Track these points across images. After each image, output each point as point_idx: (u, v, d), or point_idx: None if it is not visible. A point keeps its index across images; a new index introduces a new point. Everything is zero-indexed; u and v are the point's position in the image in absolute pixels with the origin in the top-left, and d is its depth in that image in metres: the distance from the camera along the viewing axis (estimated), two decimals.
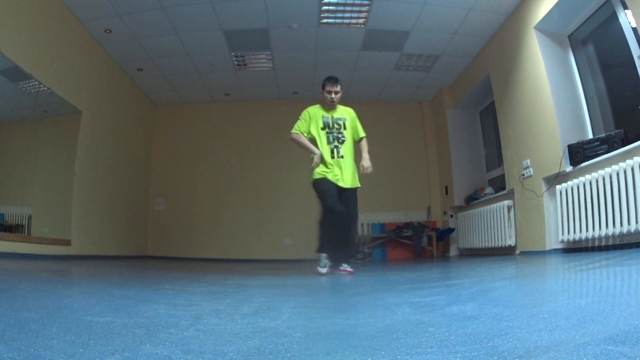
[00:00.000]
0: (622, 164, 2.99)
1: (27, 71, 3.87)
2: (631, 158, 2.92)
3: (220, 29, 4.97)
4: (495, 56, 5.09)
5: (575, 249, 3.62)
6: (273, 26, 4.95)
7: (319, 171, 3.18)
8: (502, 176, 5.13)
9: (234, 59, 5.74)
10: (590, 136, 3.79)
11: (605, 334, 0.72)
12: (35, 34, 3.96)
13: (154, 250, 6.78)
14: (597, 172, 3.27)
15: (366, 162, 3.26)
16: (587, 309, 0.99)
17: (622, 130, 3.22)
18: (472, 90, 5.79)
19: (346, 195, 3.22)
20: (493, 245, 4.96)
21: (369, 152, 3.32)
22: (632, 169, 2.88)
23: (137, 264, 4.73)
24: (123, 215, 5.98)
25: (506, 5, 4.47)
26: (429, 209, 6.84)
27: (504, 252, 4.80)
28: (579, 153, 3.57)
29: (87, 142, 4.94)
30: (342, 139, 3.27)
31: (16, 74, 3.88)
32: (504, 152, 4.96)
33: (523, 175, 4.44)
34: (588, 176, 3.36)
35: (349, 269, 3.15)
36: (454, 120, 6.39)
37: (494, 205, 4.97)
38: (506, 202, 4.75)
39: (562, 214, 3.67)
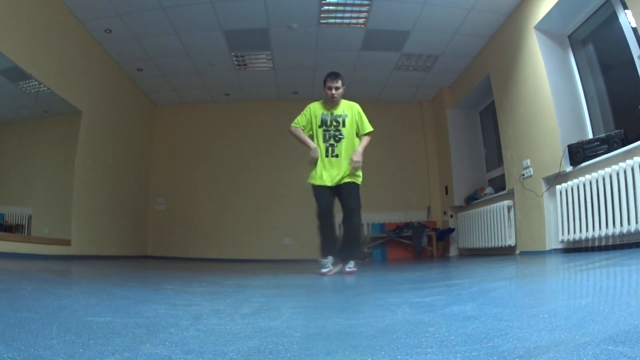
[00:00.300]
0: (622, 164, 2.99)
1: (27, 71, 3.87)
2: (631, 158, 2.92)
3: (220, 29, 4.97)
4: (495, 56, 5.09)
5: (575, 249, 3.62)
6: (273, 26, 4.95)
7: (312, 174, 3.22)
8: (502, 176, 5.13)
9: (234, 59, 5.74)
10: (590, 136, 3.79)
11: (605, 334, 0.72)
12: (35, 34, 3.96)
13: (154, 250, 6.78)
14: (597, 172, 3.26)
15: (356, 155, 3.16)
16: (587, 309, 0.99)
17: (622, 130, 3.22)
18: (472, 90, 5.79)
19: (342, 189, 3.17)
20: (493, 245, 4.96)
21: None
22: (632, 169, 2.88)
23: (137, 264, 4.73)
24: (123, 215, 5.98)
25: (506, 5, 4.47)
26: (429, 209, 6.84)
27: (504, 252, 4.80)
28: (579, 153, 3.57)
29: (87, 142, 4.94)
30: (339, 137, 3.21)
31: (16, 74, 3.88)
32: (504, 152, 4.96)
33: (523, 175, 4.44)
34: (588, 176, 3.36)
35: (352, 268, 3.12)
36: (454, 120, 6.39)
37: (494, 205, 4.97)
38: (506, 202, 4.75)
39: (562, 214, 3.67)
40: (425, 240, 6.22)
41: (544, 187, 4.09)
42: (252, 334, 0.89)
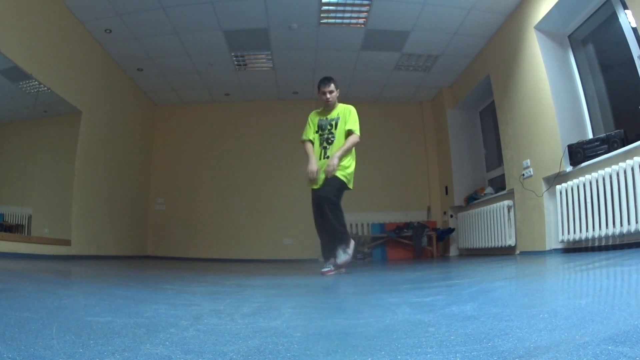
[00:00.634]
0: (622, 164, 2.99)
1: (27, 71, 3.87)
2: (631, 158, 2.92)
3: (220, 29, 4.97)
4: (495, 56, 5.09)
5: (575, 249, 3.62)
6: (273, 26, 4.96)
7: (307, 183, 3.27)
8: (502, 176, 5.13)
9: (234, 59, 5.74)
10: (590, 136, 3.79)
11: (605, 334, 0.72)
12: (35, 34, 3.96)
13: (154, 250, 6.78)
14: (597, 172, 3.26)
15: (331, 159, 3.08)
16: (587, 309, 0.99)
17: (622, 130, 3.22)
18: (472, 90, 5.79)
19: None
20: (493, 245, 4.96)
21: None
22: (632, 169, 2.88)
23: (137, 264, 4.73)
24: (123, 215, 5.98)
25: (506, 5, 4.47)
26: (429, 209, 6.84)
27: (504, 252, 4.80)
28: (579, 153, 3.57)
29: (87, 142, 4.94)
30: (331, 139, 3.24)
31: (16, 74, 3.88)
32: (504, 152, 4.97)
33: (523, 175, 4.44)
34: (588, 176, 3.36)
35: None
36: (454, 120, 6.39)
37: (494, 205, 4.97)
38: (506, 202, 4.75)
39: (562, 214, 3.67)
40: (425, 240, 6.22)
41: (544, 187, 4.09)
42: (252, 334, 0.89)
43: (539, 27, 4.12)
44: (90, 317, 1.06)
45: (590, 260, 2.51)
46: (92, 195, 5.08)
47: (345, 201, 3.29)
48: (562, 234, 3.66)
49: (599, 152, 3.36)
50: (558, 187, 3.76)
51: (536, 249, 4.15)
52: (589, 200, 3.34)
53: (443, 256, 6.22)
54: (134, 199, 6.39)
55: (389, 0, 4.45)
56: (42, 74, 4.08)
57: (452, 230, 6.18)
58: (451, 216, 6.34)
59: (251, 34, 5.12)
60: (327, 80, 3.29)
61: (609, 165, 3.16)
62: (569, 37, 4.10)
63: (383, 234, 6.47)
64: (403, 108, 7.20)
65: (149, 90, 6.65)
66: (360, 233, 6.54)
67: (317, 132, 3.31)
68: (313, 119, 3.38)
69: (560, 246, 3.79)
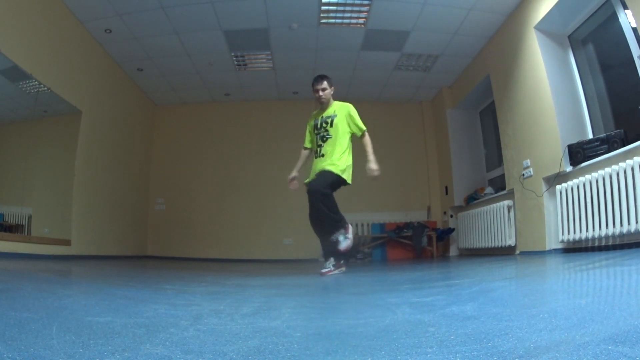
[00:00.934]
0: (622, 164, 2.99)
1: (27, 71, 3.87)
2: (631, 158, 2.92)
3: (220, 29, 4.97)
4: (495, 56, 5.09)
5: (575, 249, 3.62)
6: (273, 26, 4.95)
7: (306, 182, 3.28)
8: (502, 176, 5.13)
9: (234, 59, 5.74)
10: (590, 136, 3.79)
11: (605, 334, 0.72)
12: (35, 34, 3.96)
13: (154, 250, 6.78)
14: (597, 172, 3.26)
15: (372, 164, 3.15)
16: (587, 309, 0.99)
17: (622, 130, 3.22)
18: (472, 90, 5.79)
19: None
20: (493, 245, 4.96)
21: (374, 151, 3.19)
22: (632, 169, 2.88)
23: (137, 264, 4.73)
24: (123, 215, 5.98)
25: (506, 5, 4.47)
26: (429, 209, 6.84)
27: (504, 252, 4.80)
28: (579, 153, 3.57)
29: (87, 142, 4.94)
30: (327, 137, 3.24)
31: (16, 74, 3.88)
32: (504, 152, 4.96)
33: (523, 175, 4.44)
34: (588, 176, 3.36)
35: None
36: (454, 120, 6.39)
37: (494, 205, 4.97)
38: (506, 202, 4.75)
39: (562, 214, 3.67)
40: (425, 240, 6.22)
41: (544, 187, 4.09)
42: (252, 334, 0.89)
43: (539, 27, 4.12)
44: (90, 317, 1.06)
45: (590, 260, 2.51)
46: (92, 195, 5.08)
47: (345, 201, 3.29)
48: (562, 234, 3.66)
49: (599, 152, 3.36)
50: (558, 187, 3.76)
51: (536, 249, 4.15)
52: (589, 200, 3.34)
53: (443, 256, 6.22)
54: (134, 199, 6.39)
55: (389, 0, 4.45)
56: (42, 74, 4.08)
57: (452, 230, 6.18)
58: (451, 216, 6.34)
59: (251, 34, 5.12)
60: (320, 78, 3.31)
61: (609, 165, 3.16)
62: (569, 37, 4.10)
63: (383, 234, 6.47)
64: (403, 108, 7.20)
65: (149, 90, 6.65)
66: (360, 233, 6.54)
67: (314, 131, 3.33)
68: (311, 122, 3.41)
69: (560, 246, 3.79)
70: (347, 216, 3.31)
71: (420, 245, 6.17)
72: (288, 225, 6.66)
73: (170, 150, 7.13)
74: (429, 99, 7.06)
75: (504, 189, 4.97)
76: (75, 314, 1.11)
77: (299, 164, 3.45)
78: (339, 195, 3.19)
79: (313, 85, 3.32)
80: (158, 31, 4.96)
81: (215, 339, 0.83)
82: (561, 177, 3.82)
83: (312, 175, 3.24)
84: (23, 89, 4.12)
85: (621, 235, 3.03)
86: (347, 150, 3.25)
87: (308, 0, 4.47)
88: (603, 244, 3.30)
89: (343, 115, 3.27)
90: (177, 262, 5.54)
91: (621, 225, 2.98)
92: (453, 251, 6.29)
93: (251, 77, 6.34)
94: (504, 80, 4.87)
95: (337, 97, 3.46)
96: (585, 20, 3.86)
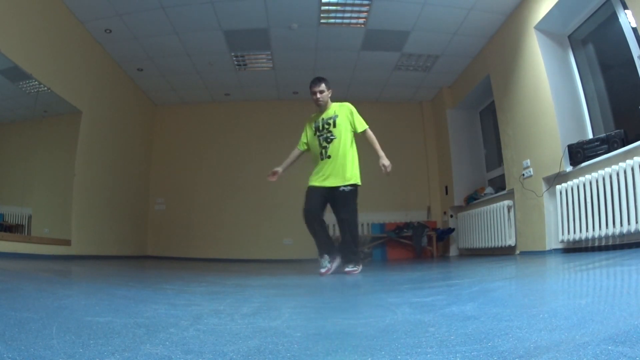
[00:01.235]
0: (622, 164, 2.99)
1: (27, 71, 3.87)
2: (631, 158, 2.92)
3: (220, 29, 4.97)
4: (495, 56, 5.09)
5: (575, 249, 3.62)
6: (273, 26, 4.95)
7: (311, 177, 3.29)
8: (502, 176, 5.13)
9: (234, 59, 5.74)
10: (590, 136, 3.79)
11: (605, 334, 0.72)
12: (35, 34, 3.96)
13: (154, 250, 6.78)
14: (597, 172, 3.26)
15: (384, 160, 3.19)
16: (587, 309, 0.99)
17: (622, 130, 3.22)
18: (472, 90, 5.79)
19: (335, 197, 3.18)
20: (493, 245, 4.96)
21: (374, 151, 3.23)
22: (632, 169, 2.88)
23: (137, 264, 4.73)
24: (123, 215, 5.98)
25: (506, 5, 4.47)
26: (429, 209, 6.84)
27: (504, 252, 4.80)
28: (579, 153, 3.57)
29: (87, 142, 4.94)
30: (331, 138, 3.24)
31: (16, 74, 3.88)
32: (504, 152, 4.96)
33: (523, 175, 4.44)
34: (588, 176, 3.36)
35: (351, 269, 3.12)
36: (454, 120, 6.39)
37: (494, 205, 4.97)
38: (506, 202, 4.75)
39: (562, 214, 3.67)
40: (425, 240, 6.22)
41: (544, 187, 4.09)
42: (252, 334, 0.89)
43: (539, 27, 4.12)
44: (90, 317, 1.06)
45: (590, 260, 2.51)
46: (92, 195, 5.08)
47: None
48: (562, 234, 3.66)
49: (599, 152, 3.36)
50: (558, 187, 3.76)
51: (536, 249, 4.15)
52: (589, 200, 3.34)
53: (443, 256, 6.22)
54: (134, 199, 6.39)
55: (389, 0, 4.45)
56: (42, 74, 4.08)
57: (452, 230, 6.18)
58: (451, 216, 6.34)
59: (251, 34, 5.12)
60: (317, 80, 3.32)
61: (609, 165, 3.16)
62: (569, 37, 4.10)
63: (383, 234, 6.47)
64: (403, 108, 7.20)
65: (149, 90, 6.65)
66: (360, 233, 6.53)
67: (315, 134, 3.32)
68: (310, 124, 3.41)
69: (560, 246, 3.79)
70: None
71: (420, 245, 6.17)
72: (288, 226, 6.64)
73: (170, 150, 7.13)
74: (429, 99, 7.06)
75: (504, 189, 4.97)
76: (75, 314, 1.11)
77: (288, 161, 3.47)
78: None
79: (310, 87, 3.33)
80: (158, 31, 4.95)
81: (215, 339, 0.83)
82: (561, 177, 3.82)
83: (319, 179, 3.21)
84: (23, 89, 4.12)
85: (621, 235, 3.03)
86: (353, 152, 3.27)
87: (308, 0, 4.47)
88: (603, 244, 3.30)
89: (344, 115, 3.28)
90: (177, 262, 5.54)
91: (621, 225, 2.98)
92: (453, 251, 6.29)
93: (251, 77, 6.34)
94: (504, 80, 4.87)
95: (337, 97, 3.46)
96: (585, 20, 3.86)
